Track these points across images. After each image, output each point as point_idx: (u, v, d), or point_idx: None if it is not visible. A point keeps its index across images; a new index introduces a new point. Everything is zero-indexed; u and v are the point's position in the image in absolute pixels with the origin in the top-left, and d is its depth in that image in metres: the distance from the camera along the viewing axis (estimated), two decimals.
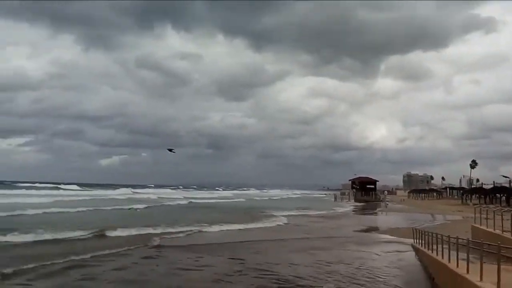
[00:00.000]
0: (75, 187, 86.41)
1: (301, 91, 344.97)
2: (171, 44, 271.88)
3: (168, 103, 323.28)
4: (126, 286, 12.25)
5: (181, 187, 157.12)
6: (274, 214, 39.15)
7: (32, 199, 45.35)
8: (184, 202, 57.51)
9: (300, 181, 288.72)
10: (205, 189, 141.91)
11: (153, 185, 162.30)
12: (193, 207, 49.39)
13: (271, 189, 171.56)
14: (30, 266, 13.35)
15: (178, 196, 71.28)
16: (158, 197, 64.82)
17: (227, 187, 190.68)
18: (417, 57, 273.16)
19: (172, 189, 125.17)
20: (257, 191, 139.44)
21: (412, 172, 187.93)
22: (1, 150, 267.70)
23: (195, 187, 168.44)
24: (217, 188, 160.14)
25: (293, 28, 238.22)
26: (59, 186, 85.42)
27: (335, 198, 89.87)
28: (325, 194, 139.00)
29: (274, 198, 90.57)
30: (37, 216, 30.08)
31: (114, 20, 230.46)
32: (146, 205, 46.02)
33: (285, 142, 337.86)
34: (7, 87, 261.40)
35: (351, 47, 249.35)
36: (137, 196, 66.48)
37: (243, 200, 69.83)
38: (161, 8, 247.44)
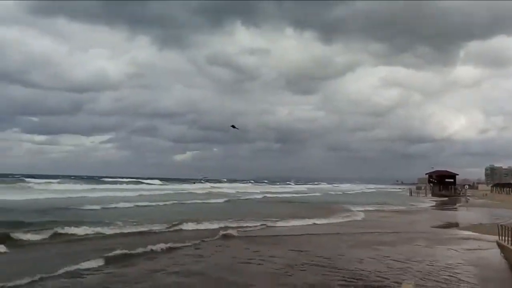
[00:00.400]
0: (156, 181, 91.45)
1: (373, 81, 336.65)
2: (240, 40, 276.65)
3: (238, 98, 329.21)
4: (188, 277, 12.77)
5: (252, 181, 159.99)
6: (351, 209, 39.21)
7: (119, 193, 49.14)
8: (260, 196, 59.27)
9: (372, 175, 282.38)
10: (278, 183, 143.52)
11: (225, 180, 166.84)
12: (269, 201, 50.62)
13: (342, 183, 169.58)
14: (117, 253, 14.86)
15: (254, 191, 73.28)
16: (236, 191, 67.28)
17: (297, 181, 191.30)
18: (501, 42, 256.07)
19: (244, 183, 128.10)
20: (329, 185, 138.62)
21: (496, 165, 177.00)
22: (85, 147, 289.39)
23: (266, 181, 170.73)
24: (288, 182, 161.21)
25: (364, 17, 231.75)
26: (141, 180, 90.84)
27: (410, 193, 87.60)
28: (400, 188, 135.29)
29: (349, 192, 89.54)
30: (129, 209, 32.72)
31: (186, 19, 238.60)
32: (225, 199, 48.25)
33: (356, 135, 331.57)
34: (90, 88, 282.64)
35: (427, 34, 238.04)
36: (215, 190, 69.25)
37: (318, 194, 70.01)
38: (231, 5, 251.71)
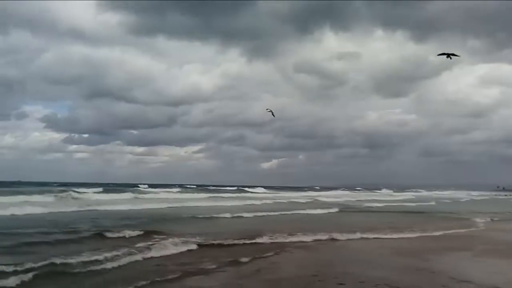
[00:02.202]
0: (261, 189, 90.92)
1: (471, 80, 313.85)
2: (328, 46, 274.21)
3: (325, 104, 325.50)
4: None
5: (342, 188, 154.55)
6: (474, 219, 33.89)
7: (237, 202, 48.85)
8: (372, 205, 55.26)
9: (469, 180, 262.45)
10: (376, 190, 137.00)
11: (318, 187, 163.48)
12: (385, 211, 46.49)
13: (442, 190, 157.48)
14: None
15: (361, 198, 69.50)
16: (346, 200, 64.14)
17: (387, 187, 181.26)
18: None
19: (339, 190, 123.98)
20: (429, 193, 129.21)
21: None
22: (180, 157, 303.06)
23: (359, 188, 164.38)
24: (381, 189, 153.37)
25: (461, 12, 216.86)
26: (244, 188, 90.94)
27: None
28: (507, 195, 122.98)
29: (461, 200, 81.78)
30: (255, 219, 31.22)
31: (275, 29, 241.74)
32: (337, 209, 45.03)
33: (452, 137, 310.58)
34: (185, 101, 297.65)
35: None
36: (321, 199, 66.67)
37: (433, 203, 64.27)
38: (320, 11, 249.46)
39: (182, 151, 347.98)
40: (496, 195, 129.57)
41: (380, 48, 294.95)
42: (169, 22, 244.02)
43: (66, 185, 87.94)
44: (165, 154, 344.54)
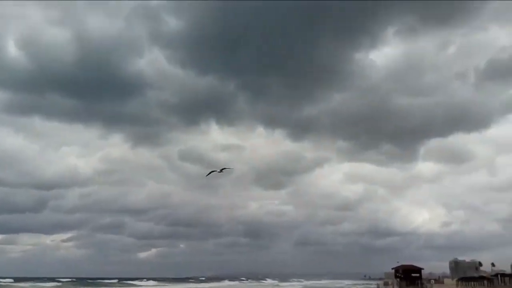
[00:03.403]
0: (151, 282, 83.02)
1: (340, 177, 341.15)
2: (214, 138, 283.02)
3: (209, 193, 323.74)
4: None
5: (228, 279, 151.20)
6: None
7: None
8: None
9: (341, 269, 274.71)
10: (262, 281, 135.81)
11: (203, 277, 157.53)
12: None
13: (319, 279, 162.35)
14: None
15: None
16: None
17: (271, 277, 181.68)
18: (458, 139, 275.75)
19: (229, 281, 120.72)
20: (308, 282, 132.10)
21: (459, 258, 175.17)
22: (45, 246, 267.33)
23: (244, 279, 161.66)
24: (267, 279, 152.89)
25: (331, 117, 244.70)
26: (128, 281, 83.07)
27: None
28: (375, 284, 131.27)
29: None
30: None
31: (162, 118, 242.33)
32: None
33: (325, 228, 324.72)
34: (59, 184, 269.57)
35: (390, 132, 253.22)
36: None
37: None
38: (207, 107, 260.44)
39: (48, 239, 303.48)
40: (367, 284, 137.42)
41: (261, 143, 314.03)
42: (48, 103, 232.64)
43: None
44: (28, 243, 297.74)
